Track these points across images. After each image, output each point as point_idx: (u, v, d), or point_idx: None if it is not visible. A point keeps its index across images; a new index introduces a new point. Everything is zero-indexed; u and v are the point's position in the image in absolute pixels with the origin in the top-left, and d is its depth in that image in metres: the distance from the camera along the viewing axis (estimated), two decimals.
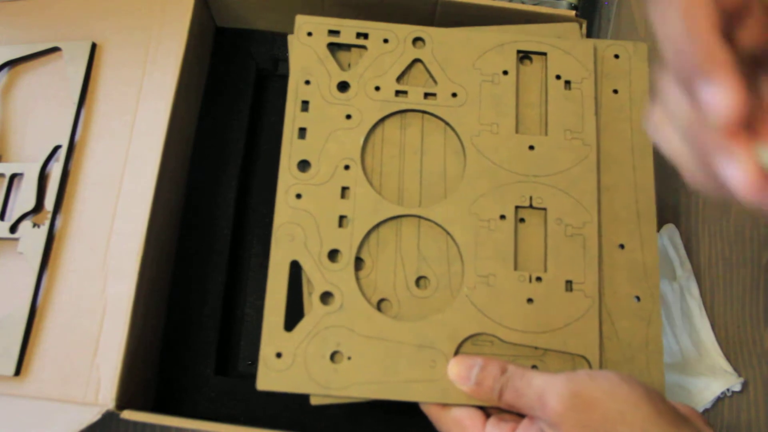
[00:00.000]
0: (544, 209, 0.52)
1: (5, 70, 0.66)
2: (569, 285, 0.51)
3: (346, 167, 0.52)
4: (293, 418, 0.55)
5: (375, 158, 0.53)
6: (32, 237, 0.58)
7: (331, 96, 0.54)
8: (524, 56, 0.57)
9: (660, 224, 0.66)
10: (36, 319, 0.56)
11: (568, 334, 0.50)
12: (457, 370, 0.47)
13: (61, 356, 0.54)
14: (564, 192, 0.53)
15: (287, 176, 0.51)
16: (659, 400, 0.41)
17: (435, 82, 0.55)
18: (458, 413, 0.46)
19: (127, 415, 0.51)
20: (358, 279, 0.50)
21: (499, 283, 0.50)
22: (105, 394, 0.52)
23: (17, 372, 0.54)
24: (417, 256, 0.51)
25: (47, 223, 0.58)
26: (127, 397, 0.53)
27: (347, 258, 0.50)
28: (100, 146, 0.61)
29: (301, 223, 0.50)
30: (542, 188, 0.53)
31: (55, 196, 0.59)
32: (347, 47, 0.56)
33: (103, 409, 0.51)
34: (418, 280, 0.51)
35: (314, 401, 0.47)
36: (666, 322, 0.63)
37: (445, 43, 0.56)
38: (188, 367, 0.58)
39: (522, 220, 0.53)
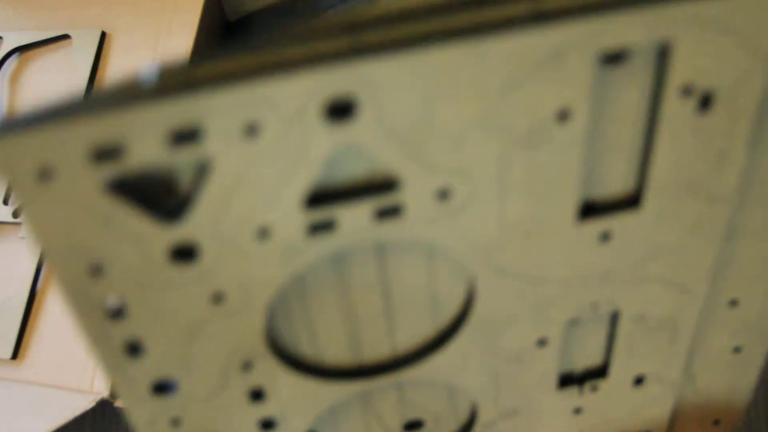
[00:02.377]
0: (616, 311, 0.30)
1: (15, 56, 0.62)
2: (640, 380, 0.33)
3: (247, 366, 0.26)
4: None
5: (295, 320, 0.26)
6: None
7: (164, 276, 0.22)
8: (610, 58, 0.22)
9: None
10: (35, 305, 0.52)
11: (627, 421, 0.35)
12: None
13: (58, 342, 0.50)
14: (655, 281, 0.29)
15: (140, 408, 0.26)
16: None
17: (394, 181, 0.23)
18: None
19: (122, 403, 0.47)
20: None
21: (532, 410, 0.32)
22: (100, 382, 0.48)
23: (14, 355, 0.51)
24: (399, 403, 0.31)
25: None
26: None
27: None
28: None
29: None
30: (617, 287, 0.29)
31: None
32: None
33: (98, 397, 0.47)
34: (408, 425, 0.32)
35: None
36: None
37: (407, 90, 0.20)
38: None
39: (573, 334, 0.31)
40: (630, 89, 0.23)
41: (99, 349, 0.24)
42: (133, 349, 0.24)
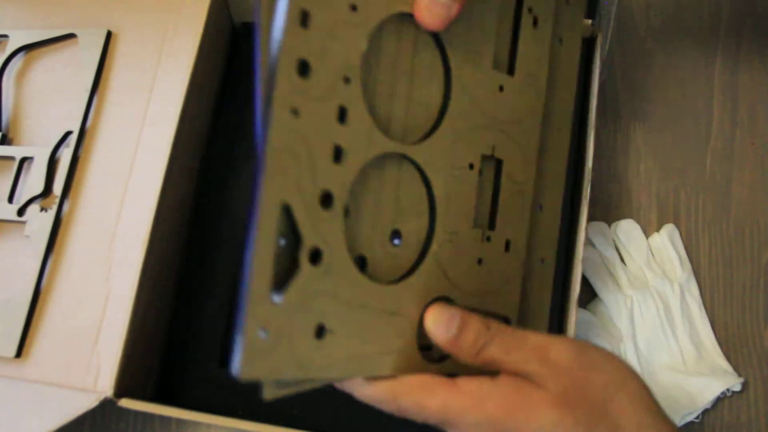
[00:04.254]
0: (501, 161, 0.43)
1: (21, 54, 0.60)
2: (508, 245, 0.43)
3: (346, 80, 0.35)
4: (294, 413, 0.49)
5: (370, 72, 0.37)
6: (39, 221, 0.53)
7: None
8: None
9: (660, 224, 0.60)
10: (39, 303, 0.51)
11: (501, 294, 0.42)
12: (435, 318, 0.38)
13: (62, 341, 0.49)
14: (517, 145, 0.43)
15: (285, 81, 0.33)
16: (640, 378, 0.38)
17: None
18: (419, 377, 0.37)
19: (125, 403, 0.46)
20: (345, 232, 0.36)
21: (460, 241, 0.41)
22: (104, 382, 0.46)
23: (18, 354, 0.49)
24: (394, 206, 0.39)
25: (55, 207, 0.53)
26: (127, 385, 0.47)
27: (339, 204, 0.35)
28: (110, 134, 0.55)
29: (295, 152, 0.33)
30: (503, 137, 0.42)
31: (63, 181, 0.53)
32: None
33: (101, 396, 0.46)
34: (392, 235, 0.39)
35: (269, 395, 0.34)
36: (666, 322, 0.57)
37: None
38: (193, 359, 0.52)
39: (480, 171, 0.42)
40: (510, 2, 0.44)
41: None
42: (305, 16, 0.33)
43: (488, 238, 0.42)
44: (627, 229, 0.60)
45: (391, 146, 0.37)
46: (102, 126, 0.55)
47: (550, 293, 0.46)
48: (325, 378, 0.35)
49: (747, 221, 0.60)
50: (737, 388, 0.54)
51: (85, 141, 0.55)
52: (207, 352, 0.52)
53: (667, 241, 0.59)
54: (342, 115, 0.35)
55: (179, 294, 0.54)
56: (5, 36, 0.60)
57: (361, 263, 0.37)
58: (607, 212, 0.61)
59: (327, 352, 0.35)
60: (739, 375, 0.55)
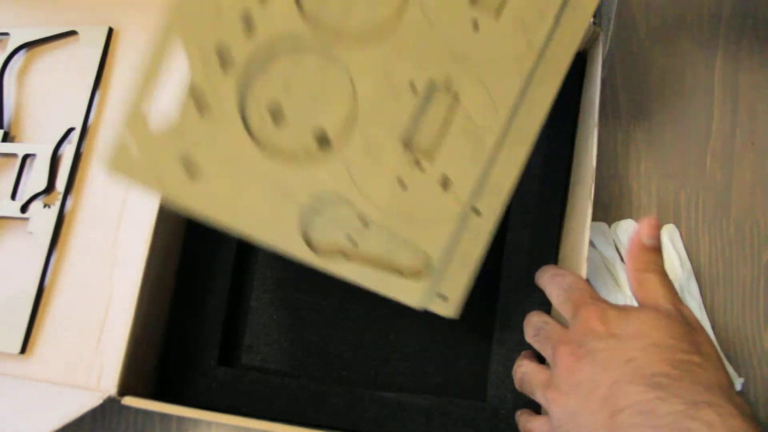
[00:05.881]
0: (457, 96, 0.41)
1: (22, 51, 0.60)
2: (447, 184, 0.42)
3: None
4: (295, 411, 0.49)
5: None
6: (42, 217, 0.53)
7: None
8: None
9: (660, 224, 0.60)
10: (43, 300, 0.51)
11: (427, 228, 0.42)
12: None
13: (66, 339, 0.49)
14: (485, 88, 0.41)
15: None
16: None
17: None
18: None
19: (129, 401, 0.45)
20: (241, 90, 0.37)
21: (380, 154, 0.40)
22: (107, 380, 0.46)
23: (23, 350, 0.49)
24: (309, 94, 0.39)
25: (58, 204, 0.53)
26: (130, 383, 0.47)
27: (241, 63, 0.37)
28: (112, 131, 0.54)
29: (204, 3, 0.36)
30: (465, 74, 0.41)
31: (66, 178, 0.53)
32: None
33: (105, 395, 0.45)
34: (297, 120, 0.39)
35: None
36: None
37: None
38: (192, 357, 0.52)
39: (426, 98, 0.41)
40: None
41: None
42: None
43: (419, 166, 0.41)
44: (627, 229, 0.60)
45: (310, 34, 0.38)
46: (104, 123, 0.55)
47: (482, 249, 0.44)
48: (200, 213, 0.38)
49: (747, 221, 0.60)
50: (737, 388, 0.54)
51: (88, 137, 0.55)
52: (207, 350, 0.52)
53: (667, 241, 0.59)
54: None
55: (179, 291, 0.54)
56: (6, 34, 0.60)
57: (248, 129, 0.38)
58: (607, 212, 0.61)
59: (195, 187, 0.37)
60: (739, 375, 0.55)
